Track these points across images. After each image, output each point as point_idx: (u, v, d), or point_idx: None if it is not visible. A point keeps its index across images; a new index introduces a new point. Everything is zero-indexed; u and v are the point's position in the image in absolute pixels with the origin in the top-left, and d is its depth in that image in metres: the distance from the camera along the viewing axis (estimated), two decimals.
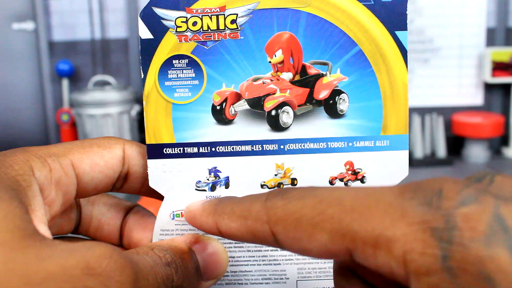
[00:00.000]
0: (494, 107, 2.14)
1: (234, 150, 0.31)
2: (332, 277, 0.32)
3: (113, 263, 0.22)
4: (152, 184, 0.31)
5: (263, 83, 0.31)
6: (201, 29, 0.31)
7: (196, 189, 0.32)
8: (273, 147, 0.31)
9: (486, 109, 2.15)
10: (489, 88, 2.14)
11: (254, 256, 0.32)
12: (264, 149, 0.31)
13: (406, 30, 0.30)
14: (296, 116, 0.31)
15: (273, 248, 0.32)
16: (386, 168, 0.31)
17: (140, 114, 2.07)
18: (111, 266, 0.22)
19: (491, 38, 2.11)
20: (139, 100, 2.11)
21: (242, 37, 0.31)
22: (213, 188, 0.32)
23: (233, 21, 0.31)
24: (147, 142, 0.32)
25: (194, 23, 0.31)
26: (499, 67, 2.06)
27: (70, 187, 0.28)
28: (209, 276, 0.30)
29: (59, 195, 0.27)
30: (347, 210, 0.21)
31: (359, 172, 0.31)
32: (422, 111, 2.13)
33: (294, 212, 0.22)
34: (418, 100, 2.10)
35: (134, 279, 0.23)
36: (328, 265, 0.32)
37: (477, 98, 2.15)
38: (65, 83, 2.19)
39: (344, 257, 0.21)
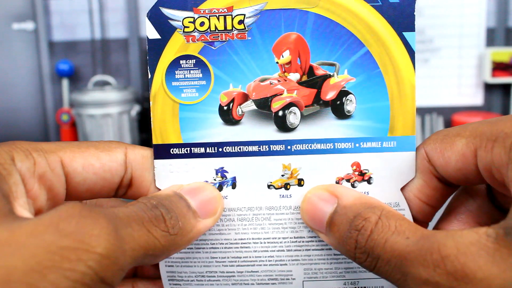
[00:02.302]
0: (494, 107, 2.14)
1: (241, 150, 0.31)
2: (338, 278, 0.32)
3: (84, 218, 0.22)
4: (159, 184, 0.31)
5: (271, 83, 0.31)
6: (209, 30, 0.31)
7: None
8: (280, 148, 0.31)
9: (486, 109, 2.15)
10: (489, 88, 2.14)
11: (260, 257, 0.32)
12: (271, 149, 0.31)
13: (414, 31, 0.30)
14: (303, 117, 0.31)
15: (280, 249, 0.32)
16: (393, 169, 0.31)
17: (140, 114, 2.07)
18: (82, 222, 0.22)
19: (491, 38, 2.11)
20: (139, 100, 2.11)
21: (250, 38, 0.31)
22: (220, 188, 0.32)
23: (240, 22, 0.31)
24: (154, 142, 0.31)
25: (202, 24, 0.31)
26: (499, 67, 2.06)
27: (57, 184, 0.28)
28: (206, 212, 0.29)
29: (43, 190, 0.27)
30: (482, 122, 0.27)
31: (366, 173, 0.31)
32: (422, 111, 2.14)
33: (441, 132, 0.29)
34: (418, 100, 2.11)
35: (113, 229, 0.23)
36: (334, 265, 0.32)
37: (477, 98, 2.15)
38: (65, 83, 2.19)
39: (472, 165, 0.27)
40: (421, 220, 0.31)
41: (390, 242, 0.25)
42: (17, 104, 2.25)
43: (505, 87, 2.13)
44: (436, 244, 0.23)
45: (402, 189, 0.31)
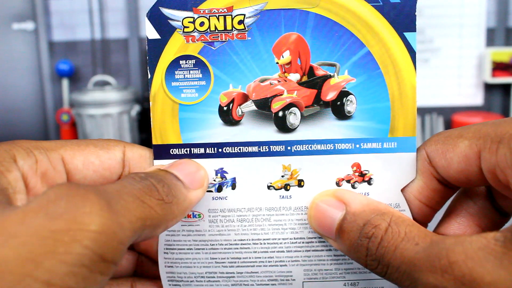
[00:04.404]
0: (494, 107, 2.14)
1: (241, 151, 0.31)
2: (338, 279, 0.32)
3: (73, 197, 0.21)
4: None
5: (271, 84, 0.31)
6: (208, 30, 0.31)
7: None
8: (280, 148, 0.31)
9: (486, 109, 2.15)
10: (489, 88, 2.14)
11: (260, 258, 0.32)
12: (271, 150, 0.31)
13: (415, 31, 0.30)
14: (303, 118, 0.31)
15: (279, 250, 0.32)
16: (394, 170, 0.31)
17: (140, 114, 2.07)
18: (72, 202, 0.21)
19: (491, 38, 2.11)
20: (139, 100, 2.10)
21: (250, 38, 0.31)
22: (219, 189, 0.32)
23: (240, 22, 0.30)
24: (154, 142, 0.31)
25: (201, 24, 0.31)
26: (499, 67, 2.06)
27: (58, 182, 0.28)
28: (194, 184, 0.29)
29: (45, 187, 0.27)
30: (485, 123, 0.27)
31: (366, 173, 0.31)
32: (422, 111, 2.14)
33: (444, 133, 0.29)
34: (418, 100, 2.10)
35: (105, 203, 0.22)
36: (334, 266, 0.32)
37: (477, 98, 2.15)
38: (65, 83, 2.19)
39: (475, 166, 0.27)
40: (420, 221, 0.31)
41: (400, 249, 0.25)
42: (17, 104, 2.25)
43: (505, 87, 2.12)
44: (444, 250, 0.23)
45: (402, 190, 0.31)
